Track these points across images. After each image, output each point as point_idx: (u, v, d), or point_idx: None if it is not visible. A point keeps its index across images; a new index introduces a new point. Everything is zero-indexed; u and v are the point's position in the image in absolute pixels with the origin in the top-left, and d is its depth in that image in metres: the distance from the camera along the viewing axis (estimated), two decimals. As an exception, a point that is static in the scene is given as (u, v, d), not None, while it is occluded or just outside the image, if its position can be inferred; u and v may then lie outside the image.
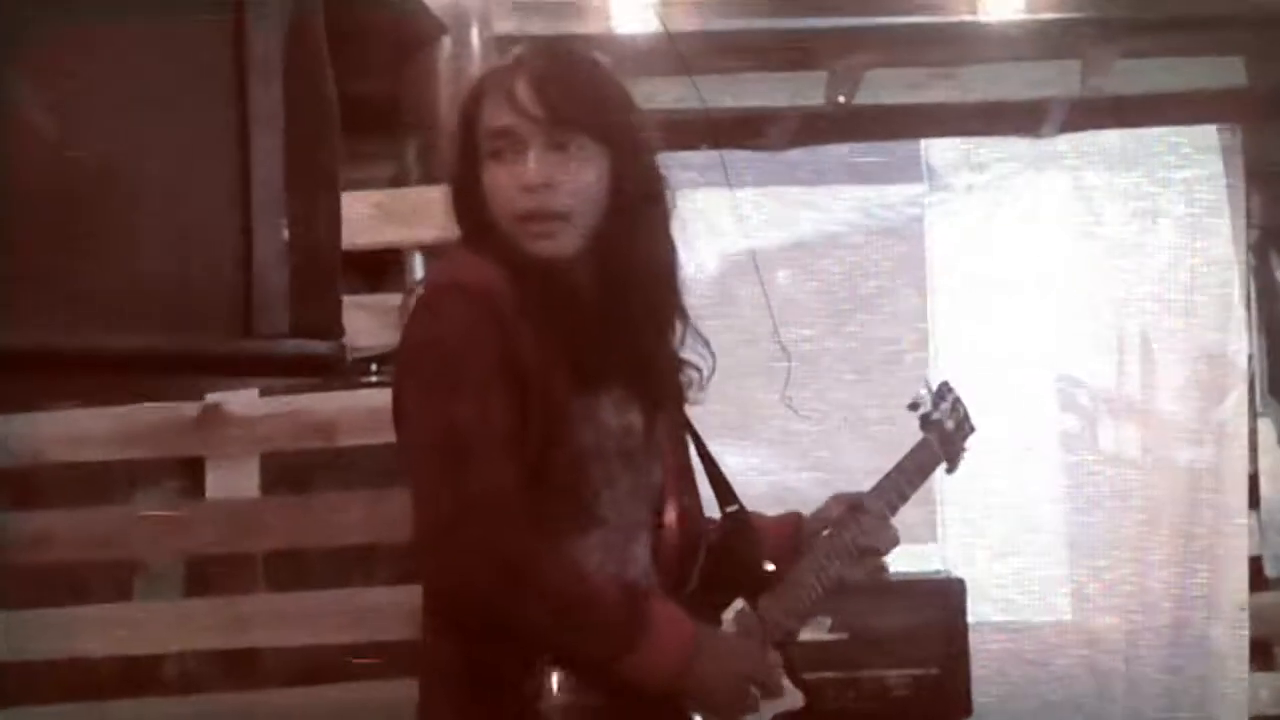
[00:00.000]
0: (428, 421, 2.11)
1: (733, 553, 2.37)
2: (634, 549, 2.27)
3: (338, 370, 1.26)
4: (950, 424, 2.72)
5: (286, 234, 1.22)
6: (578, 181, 2.17)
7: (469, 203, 2.23)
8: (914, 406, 2.73)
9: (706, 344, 2.34)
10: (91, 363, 1.15)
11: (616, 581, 2.19)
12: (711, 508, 2.46)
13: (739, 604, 2.33)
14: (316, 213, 1.34)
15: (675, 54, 4.29)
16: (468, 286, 2.14)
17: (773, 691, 2.27)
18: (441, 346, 2.12)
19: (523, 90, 2.17)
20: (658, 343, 2.28)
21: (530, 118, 2.16)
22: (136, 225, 1.23)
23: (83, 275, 1.19)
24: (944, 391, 2.76)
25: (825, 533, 2.45)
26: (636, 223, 2.21)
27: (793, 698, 2.33)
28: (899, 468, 2.60)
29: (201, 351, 1.17)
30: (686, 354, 2.33)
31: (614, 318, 2.20)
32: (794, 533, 2.47)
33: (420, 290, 2.21)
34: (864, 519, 2.46)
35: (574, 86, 2.20)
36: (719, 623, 2.31)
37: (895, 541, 2.49)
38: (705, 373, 2.35)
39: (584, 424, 2.17)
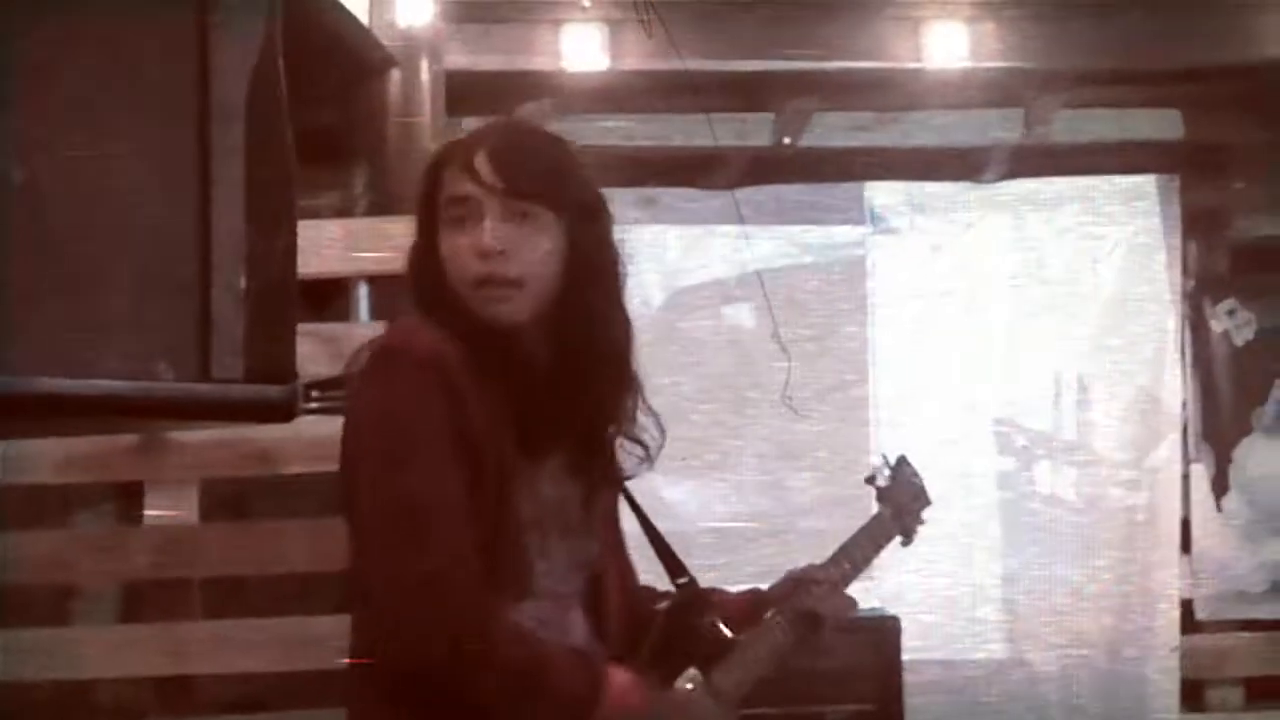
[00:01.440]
0: (382, 495, 2.12)
1: (684, 624, 2.39)
2: (569, 620, 2.29)
3: (290, 414, 1.28)
4: (905, 498, 2.78)
5: (244, 281, 1.24)
6: (533, 250, 2.20)
7: (426, 269, 2.25)
8: (870, 480, 2.79)
9: (657, 418, 2.36)
10: (45, 406, 1.16)
11: (571, 649, 2.22)
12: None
13: (692, 673, 2.35)
14: (273, 255, 1.35)
15: (685, 86, 4.32)
16: (415, 352, 2.15)
17: None
18: (392, 417, 2.13)
19: (481, 161, 2.21)
20: (603, 415, 2.30)
21: (487, 187, 2.20)
22: (94, 267, 1.24)
23: (38, 316, 1.20)
24: (900, 465, 2.81)
25: (778, 607, 2.49)
26: (590, 293, 2.25)
27: None
28: (853, 540, 2.67)
29: (157, 397, 1.19)
30: (635, 429, 2.34)
31: (563, 387, 2.22)
32: (751, 606, 2.50)
33: (367, 356, 2.21)
34: (816, 589, 2.49)
35: (531, 159, 2.25)
36: None
37: (849, 609, 2.53)
38: (654, 448, 2.37)
39: (524, 494, 2.19)
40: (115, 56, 1.30)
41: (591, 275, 2.25)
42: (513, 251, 2.19)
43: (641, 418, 2.34)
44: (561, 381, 2.22)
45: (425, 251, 2.26)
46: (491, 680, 2.10)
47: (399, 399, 2.13)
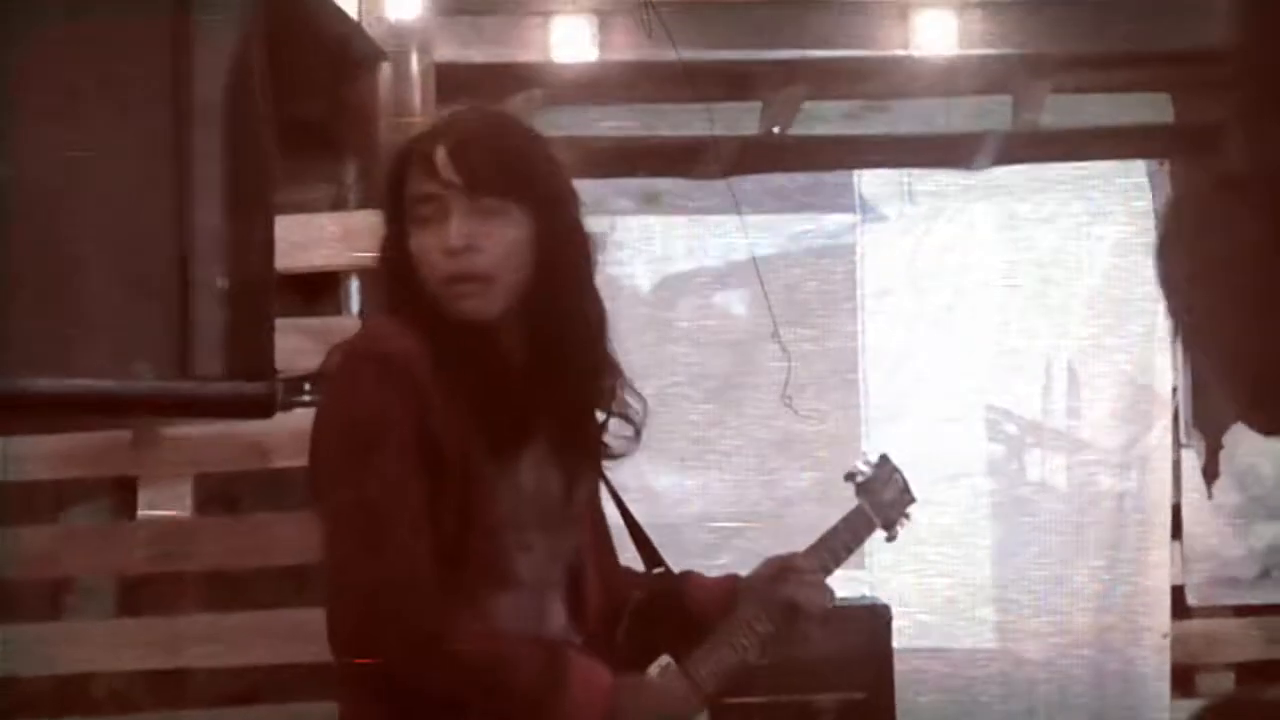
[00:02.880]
0: (342, 498, 2.14)
1: (658, 612, 2.40)
2: (548, 608, 2.30)
3: (270, 410, 1.29)
4: (888, 494, 2.76)
5: (222, 280, 1.25)
6: (501, 244, 2.19)
7: (396, 267, 2.25)
8: (850, 477, 2.76)
9: (640, 397, 2.36)
10: (27, 403, 1.17)
11: (531, 640, 2.22)
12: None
13: (664, 660, 2.35)
14: (251, 251, 1.36)
15: (681, 75, 4.32)
16: (383, 356, 2.16)
17: None
18: (355, 421, 2.14)
19: (442, 158, 2.20)
20: (582, 403, 2.31)
21: (449, 184, 2.19)
22: (75, 265, 1.25)
23: (19, 313, 1.22)
24: (882, 463, 2.80)
25: (755, 595, 2.46)
26: (563, 282, 2.24)
27: None
28: (833, 531, 2.64)
29: (137, 395, 1.20)
30: (621, 408, 2.35)
31: (540, 378, 2.22)
32: (729, 593, 2.48)
33: (337, 357, 2.22)
34: (795, 578, 2.47)
35: (494, 152, 2.23)
36: None
37: (827, 600, 2.50)
38: (638, 426, 2.37)
39: (501, 489, 2.20)
40: (94, 55, 1.31)
41: (562, 263, 2.25)
42: (481, 247, 2.18)
43: (626, 397, 2.34)
44: (535, 373, 2.22)
45: (395, 247, 2.25)
46: (447, 680, 2.12)
47: (362, 404, 2.14)
